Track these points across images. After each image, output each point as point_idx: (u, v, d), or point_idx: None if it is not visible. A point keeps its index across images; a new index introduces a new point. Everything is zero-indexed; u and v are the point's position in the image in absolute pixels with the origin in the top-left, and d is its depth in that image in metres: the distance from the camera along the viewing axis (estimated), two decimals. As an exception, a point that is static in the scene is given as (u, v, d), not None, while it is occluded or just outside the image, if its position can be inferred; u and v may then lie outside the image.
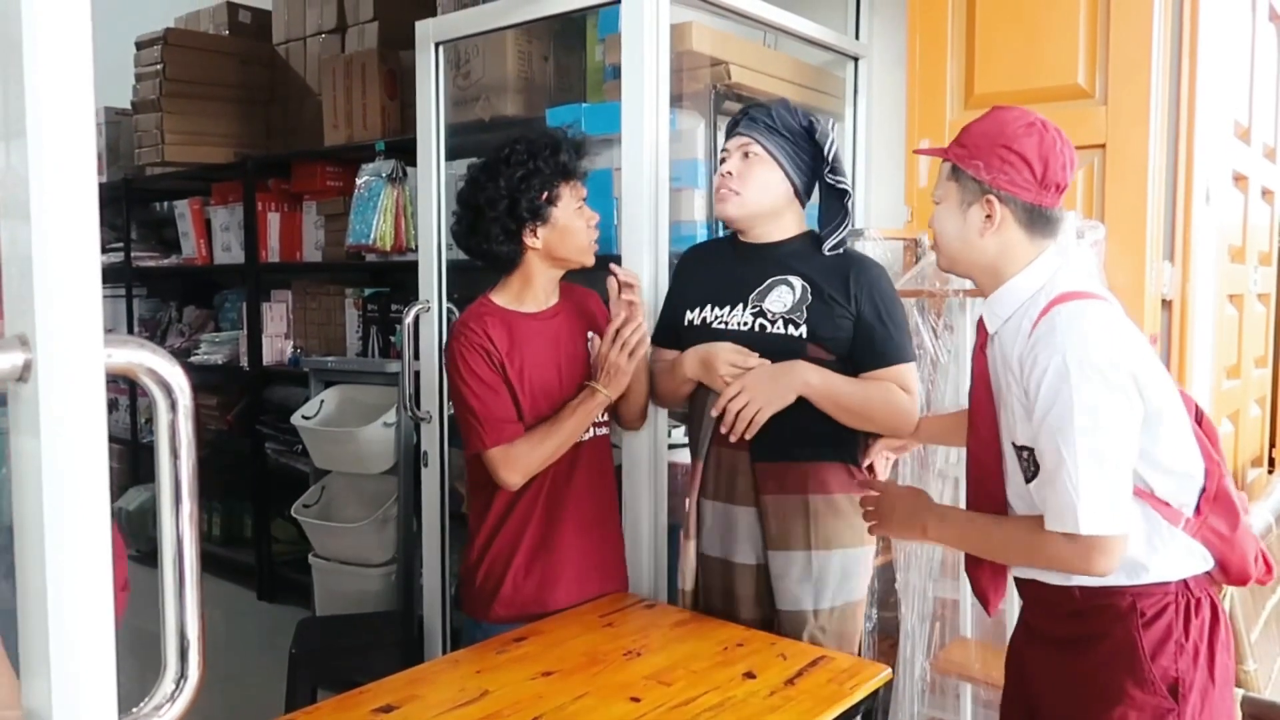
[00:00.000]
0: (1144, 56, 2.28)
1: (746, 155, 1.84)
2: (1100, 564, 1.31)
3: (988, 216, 1.43)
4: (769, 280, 1.85)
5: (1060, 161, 1.41)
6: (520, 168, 1.81)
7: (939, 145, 2.55)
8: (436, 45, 2.62)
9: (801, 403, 1.79)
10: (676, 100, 2.32)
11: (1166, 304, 2.37)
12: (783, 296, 1.83)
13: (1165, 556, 1.36)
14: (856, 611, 1.89)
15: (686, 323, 1.93)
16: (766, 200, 1.84)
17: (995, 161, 1.41)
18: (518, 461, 1.81)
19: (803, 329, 1.79)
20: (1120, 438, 1.30)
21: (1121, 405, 1.29)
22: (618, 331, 1.84)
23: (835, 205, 1.86)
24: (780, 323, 1.81)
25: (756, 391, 1.73)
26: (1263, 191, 3.03)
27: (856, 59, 2.87)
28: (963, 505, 1.60)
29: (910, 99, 2.66)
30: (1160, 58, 2.29)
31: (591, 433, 1.93)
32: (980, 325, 1.53)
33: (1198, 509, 1.38)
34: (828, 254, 1.84)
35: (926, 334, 2.32)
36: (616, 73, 2.32)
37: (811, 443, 1.83)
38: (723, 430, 1.77)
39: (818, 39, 2.71)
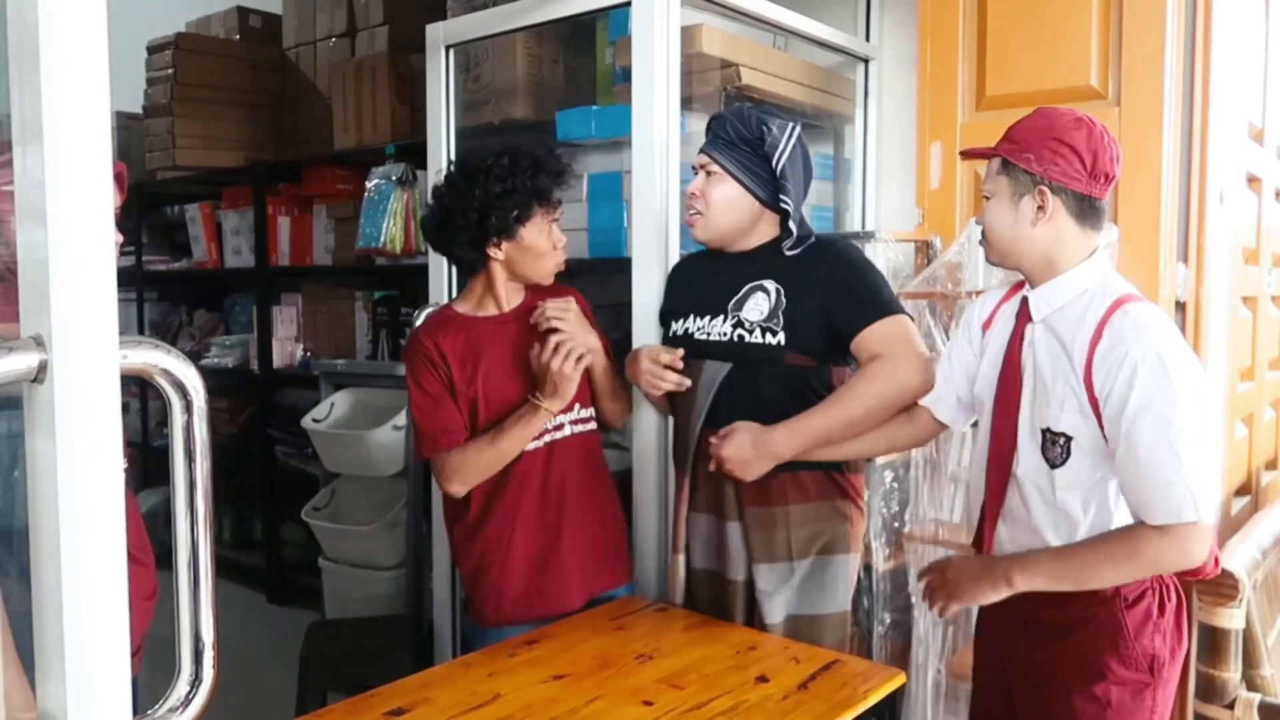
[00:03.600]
0: (1157, 57, 2.26)
1: (709, 174, 1.82)
2: (1199, 551, 1.37)
3: (1040, 207, 1.48)
4: (745, 288, 1.84)
5: (1109, 153, 1.47)
6: (498, 183, 1.81)
7: (951, 148, 2.56)
8: (446, 49, 2.63)
9: (782, 412, 1.78)
10: (687, 103, 2.32)
11: (1180, 306, 2.35)
12: (759, 304, 1.81)
13: None
14: (836, 623, 1.85)
15: (670, 334, 1.92)
16: (730, 218, 1.83)
17: (1046, 154, 1.46)
18: (455, 470, 1.82)
19: (780, 336, 1.78)
20: (1206, 433, 1.40)
21: (1203, 404, 1.39)
22: (559, 343, 1.81)
23: (785, 218, 1.84)
24: (758, 331, 1.80)
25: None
26: (1276, 193, 3.00)
27: (867, 61, 2.87)
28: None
29: (921, 101, 2.65)
30: (1173, 58, 2.27)
31: (568, 430, 1.92)
32: (1021, 313, 1.56)
33: None
34: (788, 255, 1.83)
35: (939, 335, 2.32)
36: (626, 75, 2.32)
37: None
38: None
39: (828, 41, 2.71)
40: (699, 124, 2.49)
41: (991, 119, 2.47)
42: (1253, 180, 2.77)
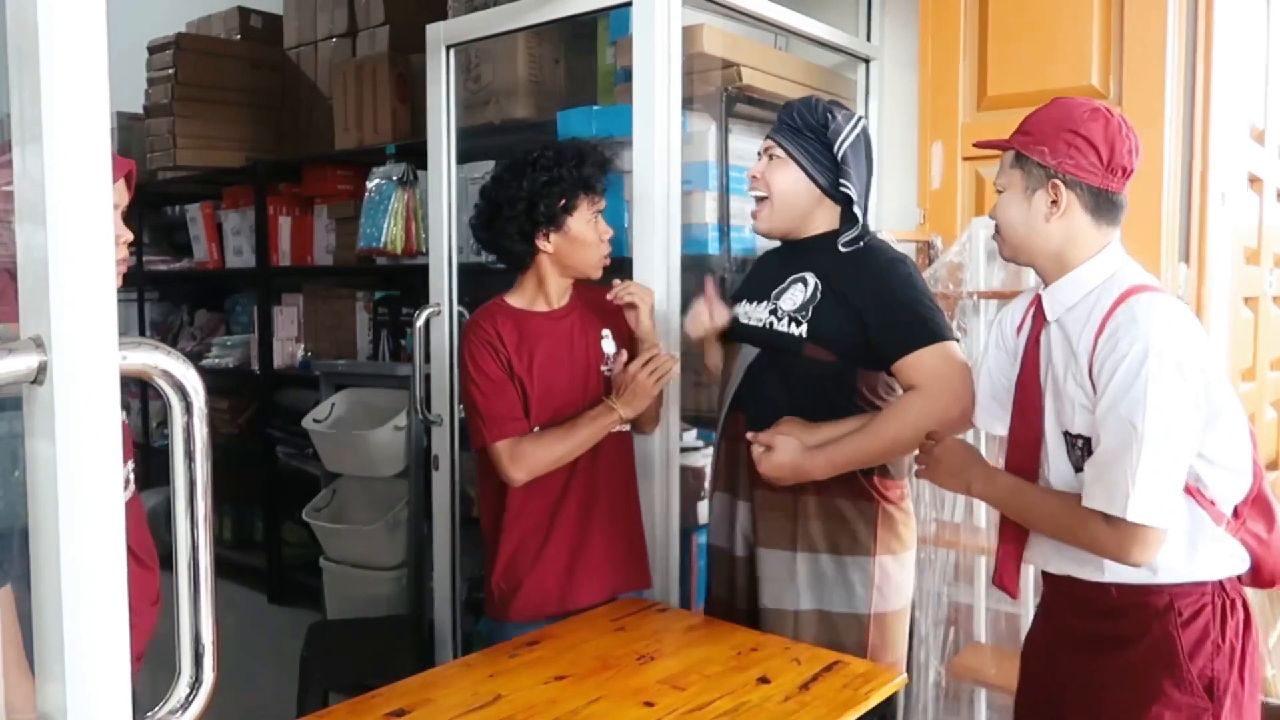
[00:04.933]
0: (1158, 57, 2.26)
1: (771, 158, 1.84)
2: (1136, 553, 1.31)
3: (1053, 201, 1.43)
4: (789, 277, 1.85)
5: (1126, 146, 1.42)
6: (544, 172, 1.84)
7: (952, 148, 2.56)
8: (447, 48, 2.63)
9: (802, 404, 1.79)
10: (688, 103, 2.31)
11: (1182, 306, 2.35)
12: (795, 294, 1.82)
13: (1205, 556, 1.38)
14: (851, 624, 1.80)
15: (732, 317, 1.96)
16: (790, 205, 1.83)
17: (1061, 146, 1.41)
18: (524, 459, 1.83)
19: (803, 328, 1.78)
20: (1185, 435, 1.30)
21: (1190, 403, 1.30)
22: (651, 358, 1.84)
23: (847, 207, 1.83)
24: (786, 320, 1.81)
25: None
26: (1278, 193, 3.00)
27: (868, 61, 2.86)
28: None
29: (922, 101, 2.65)
30: (1175, 59, 2.27)
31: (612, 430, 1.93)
32: (1037, 314, 1.51)
33: (1236, 511, 1.39)
34: (842, 250, 1.81)
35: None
36: (627, 75, 2.32)
37: None
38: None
39: (829, 41, 2.71)
40: (700, 124, 2.49)
41: (993, 119, 2.47)
42: (1254, 180, 2.77)
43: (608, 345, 1.95)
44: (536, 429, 1.87)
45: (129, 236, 1.43)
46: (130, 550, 1.41)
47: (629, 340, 1.99)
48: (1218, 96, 2.33)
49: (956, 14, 2.56)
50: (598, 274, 1.94)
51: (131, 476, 1.47)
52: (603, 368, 1.95)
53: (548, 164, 1.85)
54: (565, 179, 1.84)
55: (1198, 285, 2.34)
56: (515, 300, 1.96)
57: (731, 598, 1.91)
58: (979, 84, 2.55)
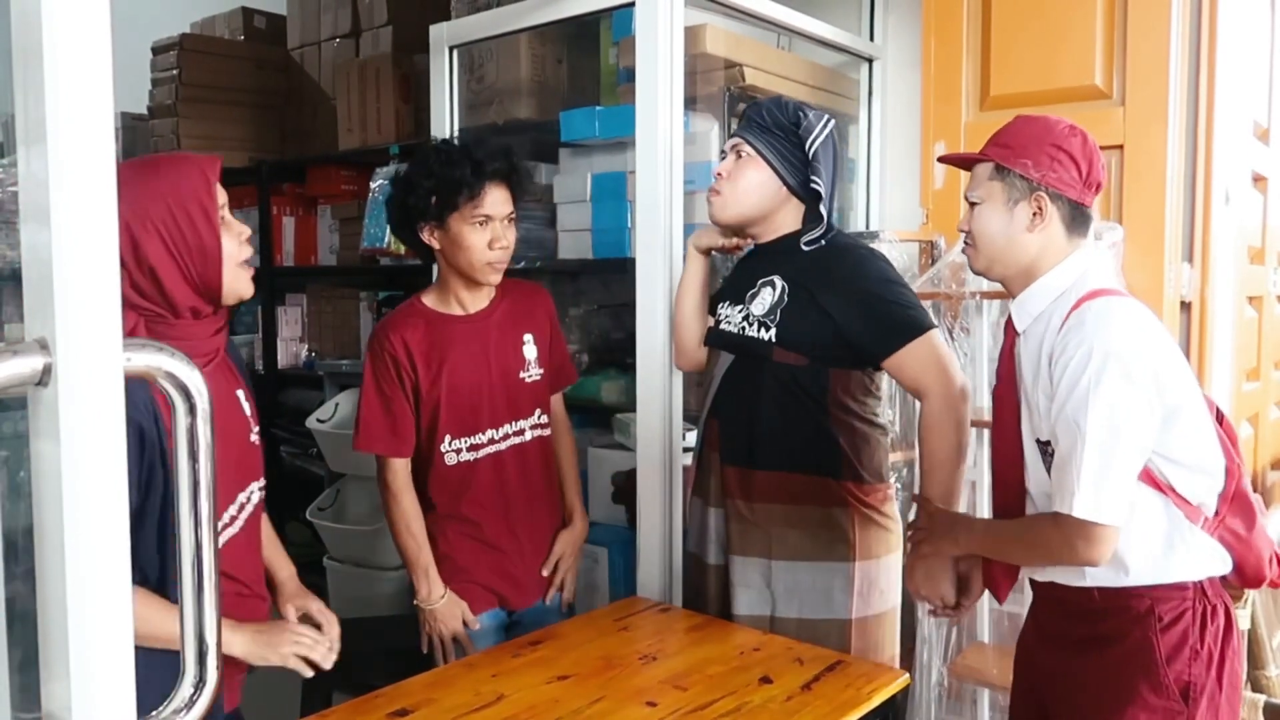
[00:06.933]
0: (1162, 56, 2.26)
1: (739, 155, 1.82)
2: (1083, 550, 1.33)
3: (1035, 214, 1.45)
4: (759, 281, 1.83)
5: (1100, 162, 1.47)
6: (421, 167, 1.84)
7: (955, 148, 2.55)
8: (450, 49, 2.63)
9: (770, 411, 1.78)
10: (690, 103, 2.31)
11: (1185, 306, 2.35)
12: (764, 298, 1.81)
13: (1185, 556, 1.39)
14: (831, 630, 1.79)
15: (712, 319, 1.96)
16: (752, 201, 1.81)
17: (1045, 160, 1.44)
18: (390, 490, 1.91)
19: (772, 332, 1.77)
20: (1131, 433, 1.32)
21: (1139, 401, 1.32)
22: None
23: (813, 205, 1.82)
24: (756, 325, 1.80)
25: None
26: (1282, 192, 3.00)
27: (871, 60, 2.86)
28: (985, 504, 1.63)
29: (925, 101, 2.65)
30: (1179, 58, 2.27)
31: (529, 435, 1.96)
32: (1009, 326, 1.54)
33: (1216, 509, 1.40)
34: (805, 249, 1.80)
35: (943, 336, 2.31)
36: (630, 75, 2.32)
37: (780, 453, 1.79)
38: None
39: (832, 40, 2.71)
40: (702, 124, 2.49)
41: (995, 119, 2.45)
42: (1258, 179, 2.76)
43: (529, 351, 1.94)
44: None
45: (248, 232, 1.40)
46: (234, 578, 1.44)
47: (550, 344, 2.01)
48: (1221, 95, 2.32)
49: (959, 13, 2.56)
50: (486, 279, 1.89)
51: (256, 496, 1.48)
52: (522, 374, 1.94)
53: (424, 158, 1.84)
54: (438, 174, 1.81)
55: (1201, 285, 2.34)
56: (429, 299, 1.94)
57: (703, 605, 1.91)
58: (982, 84, 2.55)
